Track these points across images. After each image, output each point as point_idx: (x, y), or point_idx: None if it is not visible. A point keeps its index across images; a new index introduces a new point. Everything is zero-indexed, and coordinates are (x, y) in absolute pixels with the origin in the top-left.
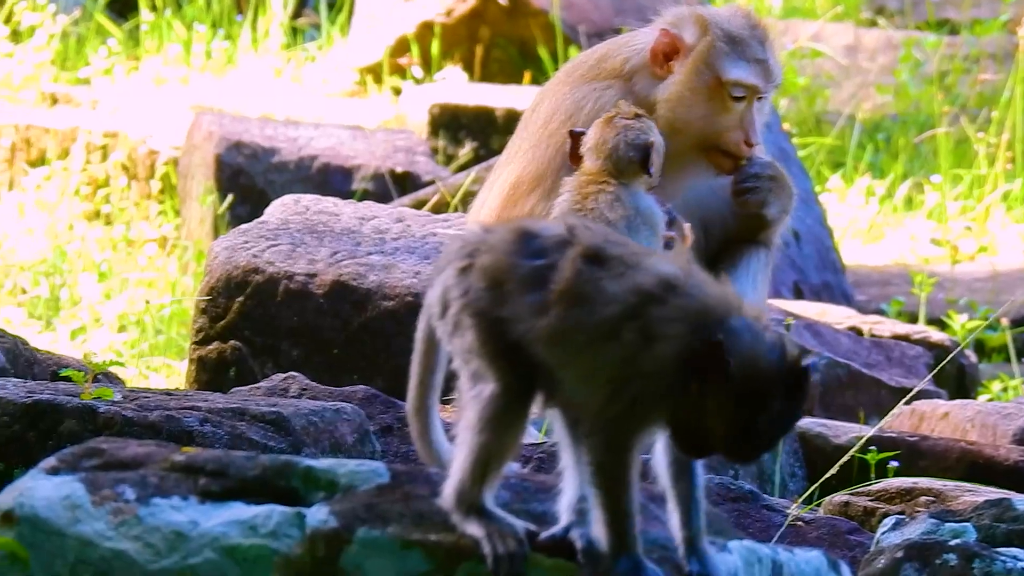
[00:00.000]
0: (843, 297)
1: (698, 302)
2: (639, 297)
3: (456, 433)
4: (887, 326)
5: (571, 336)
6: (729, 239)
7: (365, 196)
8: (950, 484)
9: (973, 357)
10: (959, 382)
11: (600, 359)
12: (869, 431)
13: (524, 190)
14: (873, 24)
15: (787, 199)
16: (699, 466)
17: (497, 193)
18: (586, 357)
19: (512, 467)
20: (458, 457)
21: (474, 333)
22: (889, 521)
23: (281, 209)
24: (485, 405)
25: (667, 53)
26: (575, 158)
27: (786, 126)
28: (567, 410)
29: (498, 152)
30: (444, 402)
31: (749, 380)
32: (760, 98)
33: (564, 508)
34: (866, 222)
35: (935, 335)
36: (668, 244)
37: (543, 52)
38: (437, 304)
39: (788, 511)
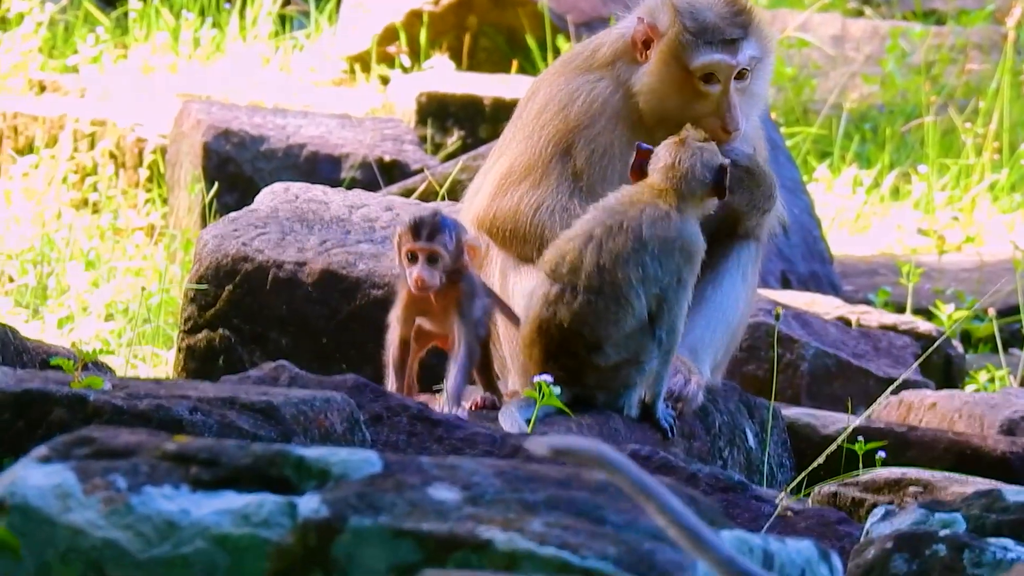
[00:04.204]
0: (831, 287)
1: None
2: None
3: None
4: (874, 316)
5: None
6: (719, 229)
7: (353, 184)
8: (938, 474)
9: (960, 347)
10: (946, 372)
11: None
12: (856, 421)
13: (514, 179)
14: (860, 14)
15: (760, 194)
16: None
17: (490, 182)
18: None
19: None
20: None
21: None
22: (878, 511)
23: (270, 197)
24: None
25: (644, 41)
26: (636, 172)
27: (773, 116)
28: None
29: (486, 141)
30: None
31: None
32: (742, 76)
33: None
34: (853, 212)
35: (922, 325)
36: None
37: (531, 41)
38: None
39: (777, 501)
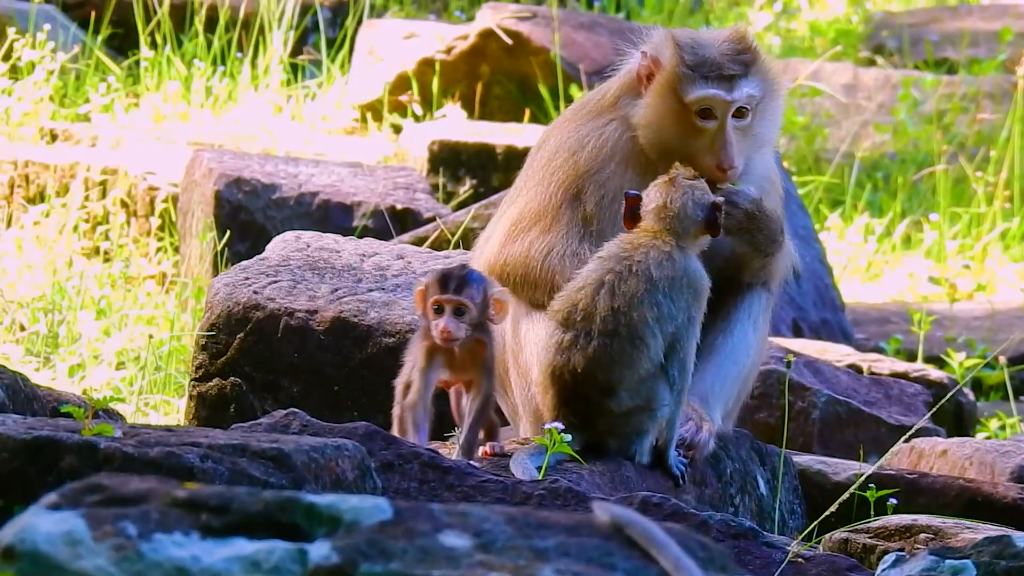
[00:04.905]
0: (842, 335)
1: None
2: None
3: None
4: (886, 364)
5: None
6: (727, 275)
7: (365, 233)
8: (949, 521)
9: (971, 395)
10: (957, 420)
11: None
12: (868, 468)
13: (525, 226)
14: (872, 63)
15: (763, 237)
16: None
17: (500, 229)
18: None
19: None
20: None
21: None
22: (889, 558)
23: (282, 246)
24: None
25: (648, 75)
26: (629, 220)
27: (785, 164)
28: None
29: (498, 190)
30: (444, 438)
31: None
32: (741, 114)
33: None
34: (865, 260)
35: (934, 373)
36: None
37: (543, 90)
38: None
39: (788, 548)
